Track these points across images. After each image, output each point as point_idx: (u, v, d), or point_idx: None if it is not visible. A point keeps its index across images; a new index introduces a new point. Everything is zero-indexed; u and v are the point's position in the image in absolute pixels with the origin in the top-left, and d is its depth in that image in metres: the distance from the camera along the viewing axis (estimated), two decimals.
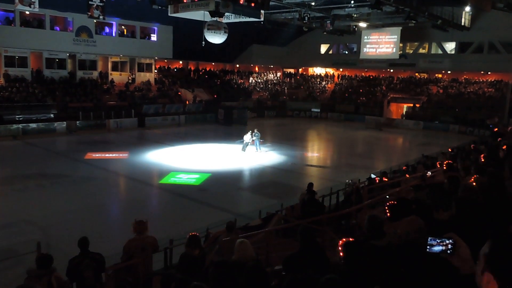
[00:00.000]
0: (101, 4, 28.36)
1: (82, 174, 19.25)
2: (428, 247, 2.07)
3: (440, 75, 47.76)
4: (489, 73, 43.63)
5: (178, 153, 24.87)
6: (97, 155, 23.39)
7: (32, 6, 23.18)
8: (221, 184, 18.41)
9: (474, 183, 5.13)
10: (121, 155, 23.87)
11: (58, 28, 36.10)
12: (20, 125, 29.07)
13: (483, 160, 9.11)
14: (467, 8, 39.24)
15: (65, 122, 31.17)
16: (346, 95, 49.30)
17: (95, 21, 35.10)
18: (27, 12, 32.98)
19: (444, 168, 8.58)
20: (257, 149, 25.04)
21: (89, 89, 36.31)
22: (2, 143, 25.98)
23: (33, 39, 33.56)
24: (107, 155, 23.70)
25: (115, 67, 41.08)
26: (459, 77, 45.87)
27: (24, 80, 33.73)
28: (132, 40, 40.27)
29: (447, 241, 2.06)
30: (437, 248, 2.06)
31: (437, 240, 2.06)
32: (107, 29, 39.02)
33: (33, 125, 29.68)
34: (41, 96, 32.69)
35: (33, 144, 26.15)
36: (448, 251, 2.05)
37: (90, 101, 34.82)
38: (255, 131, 24.93)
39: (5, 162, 21.56)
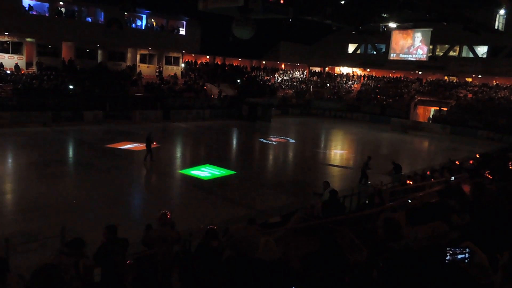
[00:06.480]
0: None
1: (107, 163, 19.66)
2: (447, 257, 2.05)
3: (470, 79, 46.64)
4: None
5: (201, 147, 25.07)
6: (122, 145, 23.81)
7: None
8: (242, 180, 18.51)
9: (495, 190, 5.03)
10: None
11: (89, 19, 36.81)
12: (50, 113, 29.84)
13: (511, 167, 8.92)
14: (502, 11, 38.14)
15: (92, 111, 31.86)
16: (372, 96, 48.68)
17: (125, 13, 35.66)
18: (61, 3, 33.79)
19: (470, 174, 8.44)
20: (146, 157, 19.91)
21: (117, 80, 36.95)
22: (32, 129, 26.72)
23: (65, 29, 34.28)
24: (131, 145, 24.10)
25: (143, 59, 41.68)
26: (489, 81, 44.70)
27: (56, 69, 34.56)
28: (160, 34, 40.76)
29: (465, 250, 2.04)
30: (457, 257, 2.04)
31: (458, 249, 2.04)
32: (137, 22, 39.59)
33: (62, 113, 30.43)
34: (71, 85, 33.44)
35: (61, 132, 26.82)
36: (466, 260, 2.04)
37: (117, 91, 35.41)
38: (149, 135, 19.96)
39: (34, 148, 22.11)
